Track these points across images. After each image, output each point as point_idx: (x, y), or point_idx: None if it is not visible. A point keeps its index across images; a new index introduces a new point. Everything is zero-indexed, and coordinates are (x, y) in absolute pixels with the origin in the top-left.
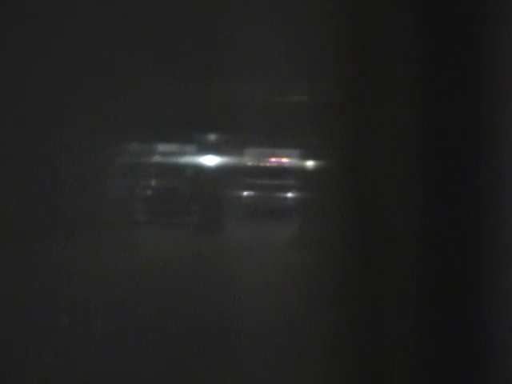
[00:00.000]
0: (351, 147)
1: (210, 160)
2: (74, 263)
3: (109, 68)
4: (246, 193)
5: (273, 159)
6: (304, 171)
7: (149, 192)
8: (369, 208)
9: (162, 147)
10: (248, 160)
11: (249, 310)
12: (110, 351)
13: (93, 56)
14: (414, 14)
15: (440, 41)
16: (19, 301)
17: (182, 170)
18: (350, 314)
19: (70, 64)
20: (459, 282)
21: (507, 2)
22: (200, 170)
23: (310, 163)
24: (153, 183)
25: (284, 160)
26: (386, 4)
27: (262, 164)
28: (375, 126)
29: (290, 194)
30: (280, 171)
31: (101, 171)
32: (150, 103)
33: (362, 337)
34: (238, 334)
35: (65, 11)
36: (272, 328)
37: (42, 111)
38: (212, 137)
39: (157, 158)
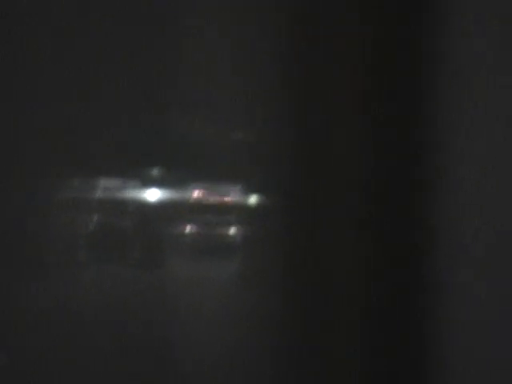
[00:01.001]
0: (293, 183)
1: (153, 195)
2: (13, 301)
3: (50, 100)
4: (188, 229)
5: (216, 195)
6: (246, 207)
7: (90, 228)
8: (311, 244)
9: (104, 182)
10: (191, 196)
11: (191, 346)
12: None
13: (33, 88)
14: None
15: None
16: None
17: (124, 205)
18: (294, 350)
19: (8, 96)
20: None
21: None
22: (143, 205)
23: (252, 199)
24: (94, 219)
25: (227, 196)
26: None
27: (204, 200)
28: (319, 161)
29: (232, 230)
30: (223, 207)
31: (40, 207)
32: (92, 137)
33: (305, 373)
34: (180, 371)
35: None
36: (214, 365)
37: None
38: (155, 172)
39: (99, 194)
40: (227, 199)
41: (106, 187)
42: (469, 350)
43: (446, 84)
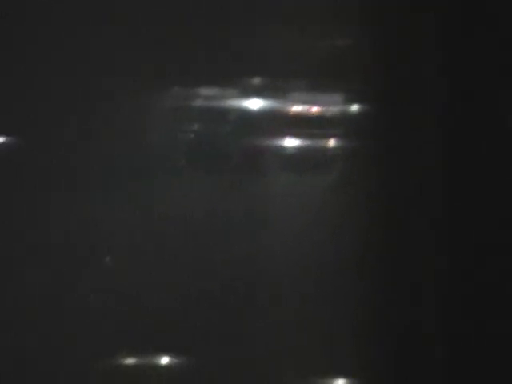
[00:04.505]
0: (393, 92)
1: (253, 104)
2: (113, 209)
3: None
4: (288, 138)
5: (316, 105)
6: (346, 118)
7: (190, 136)
8: (410, 154)
9: (203, 91)
10: (291, 105)
11: (288, 256)
12: (138, 298)
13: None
14: None
15: None
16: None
17: (224, 114)
18: (387, 264)
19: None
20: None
21: None
22: (242, 114)
23: (352, 109)
24: (194, 127)
25: (326, 106)
26: None
27: (304, 109)
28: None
29: (331, 141)
30: (322, 117)
31: (141, 116)
32: (191, 47)
33: (391, 293)
34: (275, 280)
35: None
36: (310, 276)
37: (80, 61)
38: (255, 81)
39: (198, 102)
40: (327, 109)
41: (205, 95)
42: None
43: None
